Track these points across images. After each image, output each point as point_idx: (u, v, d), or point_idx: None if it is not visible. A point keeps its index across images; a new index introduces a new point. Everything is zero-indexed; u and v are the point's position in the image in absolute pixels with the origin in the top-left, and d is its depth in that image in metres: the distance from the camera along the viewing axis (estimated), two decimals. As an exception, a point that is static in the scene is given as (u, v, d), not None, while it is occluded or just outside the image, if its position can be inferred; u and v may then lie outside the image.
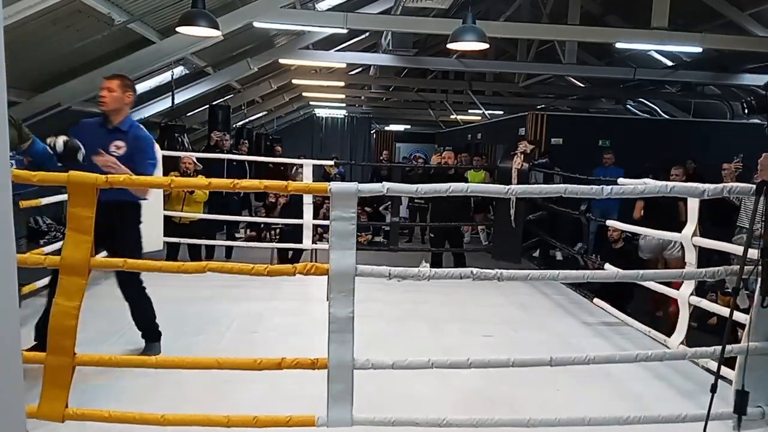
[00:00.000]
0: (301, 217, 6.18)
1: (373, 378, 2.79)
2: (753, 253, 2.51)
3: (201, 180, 2.65)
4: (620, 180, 4.78)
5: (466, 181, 8.22)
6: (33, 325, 3.21)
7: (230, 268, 2.44)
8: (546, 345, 4.08)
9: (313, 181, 6.64)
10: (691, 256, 3.84)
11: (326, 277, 2.38)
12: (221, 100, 12.28)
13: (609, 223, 5.68)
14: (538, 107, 15.91)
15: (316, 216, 6.54)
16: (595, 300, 5.19)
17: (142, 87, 8.78)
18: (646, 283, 4.48)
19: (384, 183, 2.36)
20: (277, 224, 7.37)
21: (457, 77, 15.55)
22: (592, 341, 4.26)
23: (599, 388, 3.35)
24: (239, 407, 2.54)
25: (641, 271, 3.13)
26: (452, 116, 18.45)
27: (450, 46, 6.76)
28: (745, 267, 2.47)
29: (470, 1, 7.07)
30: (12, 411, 1.18)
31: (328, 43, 11.77)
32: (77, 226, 2.30)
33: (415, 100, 18.47)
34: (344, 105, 21.56)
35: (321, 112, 23.05)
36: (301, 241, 6.24)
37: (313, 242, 6.33)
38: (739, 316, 2.77)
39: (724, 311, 3.49)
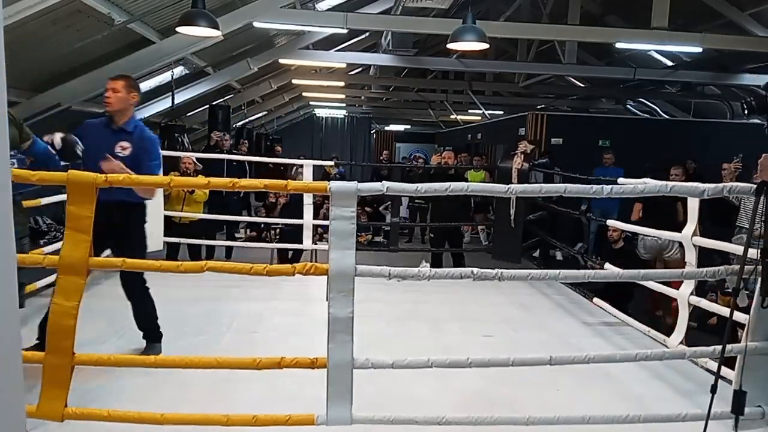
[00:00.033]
0: (301, 217, 6.18)
1: (373, 379, 2.79)
2: (753, 253, 2.51)
3: (201, 179, 2.65)
4: (620, 180, 4.78)
5: (466, 181, 8.21)
6: (34, 324, 3.21)
7: (229, 267, 2.44)
8: (546, 345, 4.07)
9: (313, 181, 6.64)
10: (691, 256, 3.84)
11: (326, 277, 2.38)
12: (221, 100, 12.28)
13: (609, 222, 5.69)
14: (538, 107, 15.91)
15: (316, 216, 6.54)
16: (595, 300, 5.19)
17: (142, 87, 8.74)
18: (646, 283, 4.49)
19: (384, 182, 2.35)
20: (277, 224, 7.37)
21: (457, 77, 15.54)
22: (592, 341, 4.26)
23: (599, 388, 3.35)
24: (239, 407, 2.54)
25: (642, 271, 3.14)
26: (452, 116, 18.45)
27: (450, 46, 6.76)
28: (745, 267, 2.47)
29: (470, 1, 7.07)
30: (12, 411, 1.18)
31: (328, 43, 11.77)
32: (76, 225, 2.30)
33: (415, 100, 18.46)
34: (344, 105, 21.56)
35: (321, 112, 23.05)
36: (301, 242, 6.24)
37: (313, 242, 6.33)
38: (739, 316, 2.77)
39: (724, 311, 3.50)
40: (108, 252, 3.35)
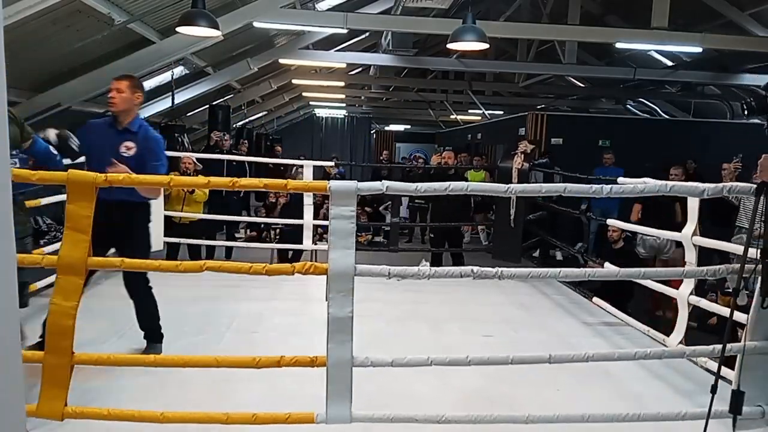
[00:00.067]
0: (301, 217, 6.18)
1: (373, 378, 2.79)
2: (752, 253, 2.51)
3: (201, 179, 2.65)
4: (620, 179, 4.78)
5: (466, 181, 8.21)
6: (35, 324, 3.20)
7: (229, 267, 2.44)
8: (546, 345, 4.07)
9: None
10: (690, 256, 3.84)
11: (325, 276, 2.38)
12: (221, 100, 12.28)
13: (609, 221, 5.68)
14: (538, 107, 15.91)
15: (316, 216, 6.53)
16: (594, 299, 5.19)
17: (142, 87, 8.77)
18: (646, 283, 4.49)
19: (383, 181, 2.35)
20: (277, 224, 7.37)
21: (457, 77, 15.54)
22: (592, 341, 4.26)
23: (599, 388, 3.35)
24: (239, 406, 2.54)
25: (643, 269, 3.14)
26: (452, 116, 18.45)
27: (450, 46, 6.76)
28: (746, 266, 2.47)
29: (470, 1, 7.07)
30: (12, 410, 1.18)
31: (328, 43, 11.77)
32: (75, 225, 2.30)
33: (415, 100, 18.46)
34: (344, 105, 21.56)
35: (321, 112, 23.06)
36: (301, 242, 6.24)
37: (313, 243, 6.33)
38: (739, 316, 2.77)
39: (724, 311, 3.50)
40: (113, 251, 3.36)
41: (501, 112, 16.75)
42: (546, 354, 2.52)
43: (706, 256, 3.91)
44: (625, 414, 2.47)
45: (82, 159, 3.56)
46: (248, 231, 8.59)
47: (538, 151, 9.45)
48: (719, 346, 2.54)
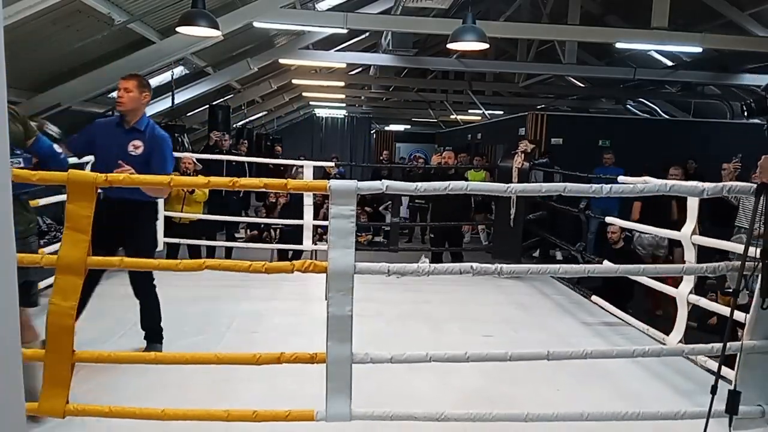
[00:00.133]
0: (301, 217, 6.18)
1: (373, 377, 2.80)
2: (752, 252, 2.50)
3: (201, 179, 2.65)
4: (620, 178, 4.77)
5: (466, 180, 8.21)
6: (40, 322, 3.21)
7: (229, 265, 2.44)
8: (546, 345, 4.03)
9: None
10: (690, 255, 3.84)
11: (325, 276, 2.38)
12: (221, 100, 12.29)
13: (608, 219, 5.68)
14: (538, 107, 15.92)
15: (316, 216, 6.53)
16: (593, 297, 5.19)
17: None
18: (646, 282, 4.48)
19: (383, 181, 2.36)
20: (277, 225, 7.37)
21: (457, 77, 15.55)
22: (592, 341, 4.26)
23: (599, 387, 3.35)
24: (239, 405, 2.54)
25: (642, 266, 3.14)
26: (452, 116, 18.46)
27: (450, 46, 6.77)
28: (746, 264, 2.47)
29: (470, 1, 7.08)
30: (12, 410, 1.19)
31: (328, 43, 11.77)
32: (75, 225, 2.30)
33: (415, 100, 18.47)
34: (344, 105, 21.57)
35: (321, 112, 23.07)
36: (301, 242, 6.24)
37: (313, 243, 6.33)
38: (739, 316, 2.77)
39: (723, 309, 3.50)
40: (119, 250, 3.38)
41: (501, 112, 16.76)
42: (544, 351, 2.52)
43: (706, 257, 3.90)
44: (624, 413, 2.47)
45: (78, 159, 3.57)
46: (248, 231, 8.60)
47: (538, 151, 9.45)
48: (718, 345, 2.54)
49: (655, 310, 6.28)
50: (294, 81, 14.23)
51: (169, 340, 3.57)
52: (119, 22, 6.42)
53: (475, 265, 2.43)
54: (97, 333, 3.68)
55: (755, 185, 2.49)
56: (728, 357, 2.55)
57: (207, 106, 11.78)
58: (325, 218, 5.43)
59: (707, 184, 2.57)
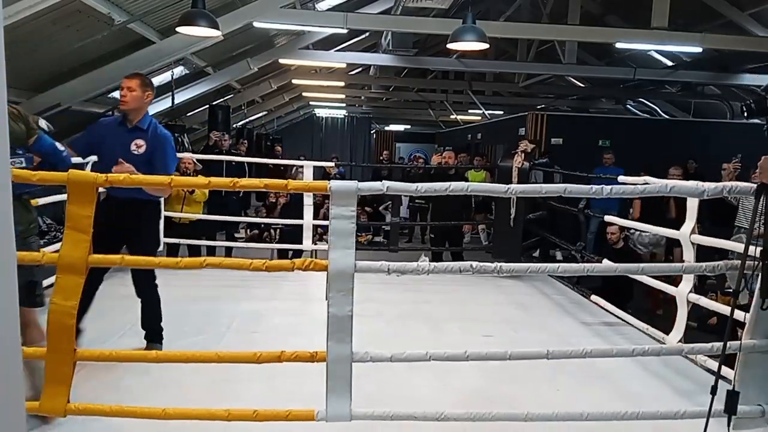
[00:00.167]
0: (301, 217, 6.18)
1: (373, 377, 2.80)
2: (752, 251, 2.50)
3: (201, 179, 2.65)
4: (620, 178, 4.77)
5: (466, 180, 8.22)
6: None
7: (229, 263, 2.45)
8: (546, 345, 4.02)
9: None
10: (689, 254, 3.84)
11: (325, 276, 2.38)
12: (221, 100, 12.29)
13: (607, 218, 5.68)
14: (538, 107, 15.92)
15: (316, 216, 6.54)
16: (593, 297, 5.19)
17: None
18: (646, 282, 4.48)
19: (384, 181, 2.36)
20: (278, 224, 7.37)
21: (457, 77, 15.55)
22: (592, 341, 4.26)
23: (599, 388, 3.35)
24: (239, 405, 2.54)
25: (641, 265, 3.14)
26: (452, 116, 18.46)
27: (450, 46, 6.77)
28: (746, 264, 2.47)
29: (470, 1, 7.08)
30: (12, 410, 1.19)
31: (328, 43, 11.77)
32: (75, 224, 2.30)
33: (415, 100, 18.48)
34: (344, 105, 21.58)
35: (321, 112, 23.07)
36: (301, 242, 6.24)
37: (313, 242, 6.33)
38: (739, 316, 2.77)
39: (723, 308, 3.50)
40: (123, 250, 3.39)
41: (501, 112, 16.76)
42: (544, 350, 2.52)
43: (706, 257, 3.90)
44: (623, 413, 2.47)
45: (79, 159, 3.57)
46: (248, 231, 8.60)
47: (538, 151, 9.45)
48: (718, 344, 2.53)
49: (655, 310, 6.29)
50: (294, 81, 14.24)
51: (169, 340, 3.57)
52: (119, 22, 6.42)
53: (474, 263, 2.44)
54: (97, 333, 3.67)
55: (755, 186, 2.49)
56: (728, 357, 2.55)
57: (207, 106, 11.78)
58: (325, 218, 5.43)
59: (707, 185, 2.57)
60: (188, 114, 12.47)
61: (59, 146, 2.79)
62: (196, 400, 2.83)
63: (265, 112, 17.79)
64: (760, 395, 2.50)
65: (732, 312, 2.58)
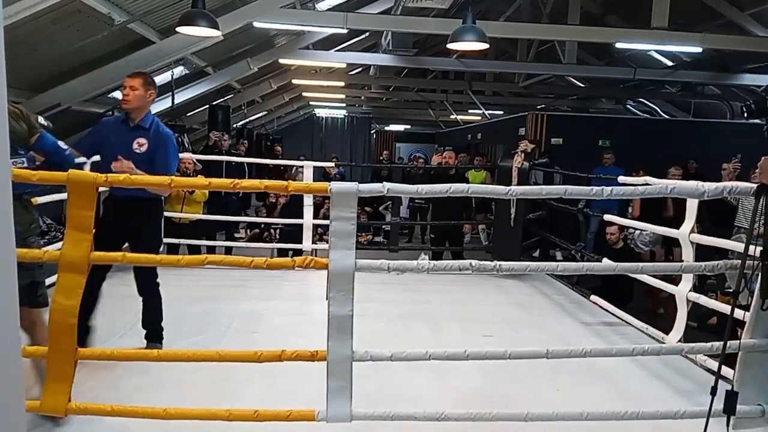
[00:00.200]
0: (301, 217, 6.18)
1: (373, 377, 2.80)
2: (751, 251, 2.50)
3: (201, 180, 2.65)
4: (620, 178, 4.77)
5: (466, 181, 8.22)
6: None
7: (231, 261, 2.46)
8: (546, 345, 4.02)
9: (314, 181, 6.65)
10: (688, 254, 3.84)
11: (326, 276, 2.39)
12: (221, 100, 12.29)
13: (607, 217, 5.67)
14: (538, 107, 15.93)
15: (316, 216, 6.54)
16: (592, 297, 5.19)
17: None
18: (645, 282, 4.48)
19: (384, 183, 2.36)
20: (278, 224, 7.37)
21: (457, 77, 15.56)
22: (592, 341, 4.26)
23: (599, 388, 3.35)
24: (240, 405, 2.55)
25: (640, 264, 3.14)
26: (452, 116, 18.47)
27: (450, 46, 6.77)
28: (746, 263, 2.47)
29: (470, 1, 7.08)
30: (12, 409, 1.19)
31: (328, 43, 11.78)
32: (76, 224, 2.31)
33: (415, 100, 18.48)
34: (344, 105, 21.58)
35: (321, 112, 23.08)
36: (301, 242, 6.24)
37: (313, 242, 6.33)
38: (739, 315, 2.77)
39: (723, 308, 3.50)
40: (125, 247, 3.40)
41: (501, 112, 16.77)
42: (544, 350, 2.53)
43: (706, 257, 3.90)
44: (623, 412, 2.48)
45: (87, 159, 3.58)
46: (248, 231, 8.61)
47: (538, 151, 9.45)
48: (718, 344, 2.53)
49: (655, 310, 6.28)
50: (294, 81, 14.24)
51: (169, 339, 3.57)
52: (119, 22, 6.42)
53: (474, 261, 2.44)
54: (98, 332, 3.68)
55: (755, 186, 2.49)
56: (728, 356, 2.55)
57: (207, 106, 11.78)
58: (325, 218, 5.42)
59: (708, 186, 2.57)
60: (188, 114, 12.47)
61: (62, 144, 2.77)
62: (196, 399, 2.83)
63: (265, 112, 17.79)
64: (760, 395, 2.50)
65: (732, 312, 2.58)
